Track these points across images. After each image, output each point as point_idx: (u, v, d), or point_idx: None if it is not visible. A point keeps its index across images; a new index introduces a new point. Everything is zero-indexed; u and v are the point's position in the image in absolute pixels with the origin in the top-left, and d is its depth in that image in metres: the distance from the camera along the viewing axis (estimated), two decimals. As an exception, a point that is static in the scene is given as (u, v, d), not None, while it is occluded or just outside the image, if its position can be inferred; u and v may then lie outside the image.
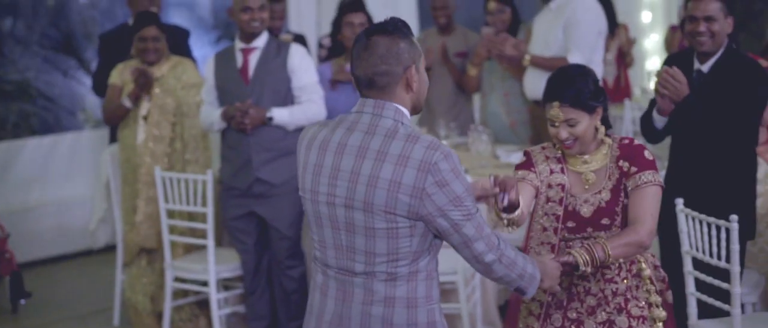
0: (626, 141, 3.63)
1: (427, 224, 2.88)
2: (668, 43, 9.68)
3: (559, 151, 3.68)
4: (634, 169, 3.54)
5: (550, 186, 3.63)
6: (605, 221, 3.56)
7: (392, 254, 2.91)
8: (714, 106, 4.50)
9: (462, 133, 6.96)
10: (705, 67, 4.65)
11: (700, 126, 4.52)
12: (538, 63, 6.39)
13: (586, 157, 3.62)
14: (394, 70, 2.93)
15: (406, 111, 2.97)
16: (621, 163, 3.57)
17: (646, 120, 4.82)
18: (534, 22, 6.97)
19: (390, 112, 2.93)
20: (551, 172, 3.65)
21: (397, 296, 2.94)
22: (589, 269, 3.41)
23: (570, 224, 3.58)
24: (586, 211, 3.56)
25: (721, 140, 4.55)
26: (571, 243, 3.60)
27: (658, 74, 4.64)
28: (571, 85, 3.50)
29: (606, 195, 3.56)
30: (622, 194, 3.55)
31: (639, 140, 3.70)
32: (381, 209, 2.85)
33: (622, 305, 3.55)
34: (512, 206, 3.21)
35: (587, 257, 3.39)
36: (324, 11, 9.21)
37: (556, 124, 3.53)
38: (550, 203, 3.62)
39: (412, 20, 8.90)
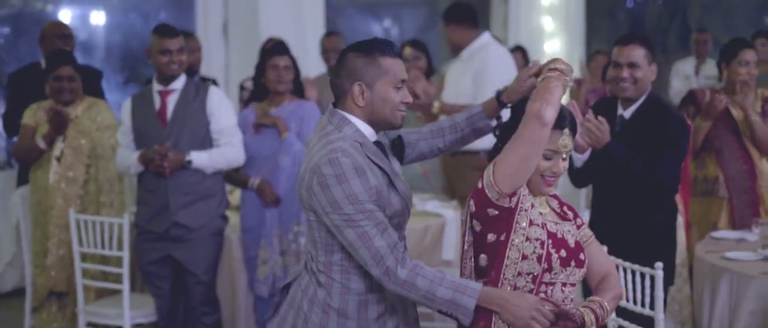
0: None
1: (321, 219, 3.14)
2: (574, 95, 9.86)
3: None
4: (579, 220, 3.35)
5: (532, 206, 3.20)
6: (582, 257, 3.23)
7: (312, 246, 3.24)
8: (635, 152, 4.58)
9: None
10: (627, 113, 4.74)
11: (623, 172, 4.59)
12: (448, 111, 6.43)
13: (547, 196, 3.33)
14: (343, 84, 3.21)
15: (356, 121, 3.20)
16: (565, 208, 3.36)
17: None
18: (446, 71, 7.06)
19: (336, 120, 3.21)
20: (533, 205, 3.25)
21: (318, 296, 3.22)
22: None
23: (562, 253, 3.16)
24: (570, 240, 3.21)
25: (642, 187, 4.63)
26: (551, 286, 3.18)
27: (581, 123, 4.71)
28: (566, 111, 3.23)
29: (574, 231, 3.28)
30: None
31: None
32: (302, 202, 3.20)
33: None
34: None
35: (593, 317, 3.14)
36: (232, 54, 9.19)
37: (564, 156, 3.23)
38: (533, 226, 3.14)
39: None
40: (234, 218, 5.95)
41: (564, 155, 3.21)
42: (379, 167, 3.18)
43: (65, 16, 10.68)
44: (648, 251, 4.50)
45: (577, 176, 4.81)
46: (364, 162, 3.12)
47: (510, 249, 3.12)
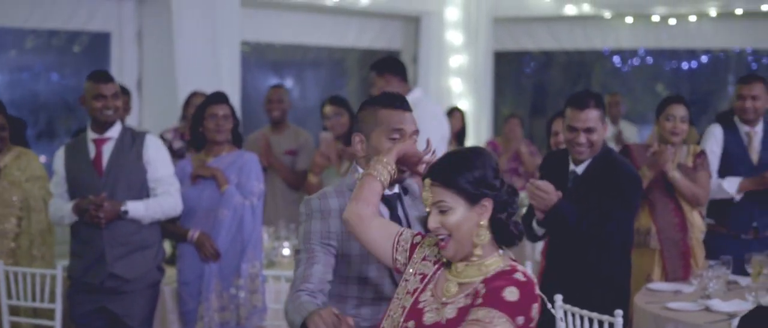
0: (510, 268, 2.89)
1: None
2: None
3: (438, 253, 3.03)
4: (479, 300, 2.81)
5: (414, 274, 3.03)
6: None
7: None
8: (587, 207, 4.61)
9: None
10: (579, 169, 4.79)
11: (574, 230, 4.61)
12: None
13: (461, 266, 2.93)
14: (353, 136, 3.50)
15: (360, 169, 3.45)
16: (480, 286, 2.87)
17: (525, 222, 4.89)
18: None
19: (350, 170, 3.53)
20: (424, 258, 3.06)
21: None
22: None
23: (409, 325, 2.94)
24: (428, 318, 2.90)
25: (595, 241, 4.65)
26: None
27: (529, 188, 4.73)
28: (448, 161, 2.94)
29: (451, 312, 2.88)
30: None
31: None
32: None
33: None
34: None
35: None
36: (145, 110, 9.02)
37: (442, 209, 2.90)
38: (407, 295, 3.00)
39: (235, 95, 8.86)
40: (168, 270, 5.80)
41: (442, 208, 2.89)
42: None
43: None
44: (600, 303, 4.50)
45: (530, 234, 4.84)
46: (340, 206, 3.31)
47: None
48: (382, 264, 3.27)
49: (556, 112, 6.58)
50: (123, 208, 5.32)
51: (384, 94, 3.49)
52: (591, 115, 4.70)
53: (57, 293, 5.38)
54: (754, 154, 6.15)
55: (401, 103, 3.47)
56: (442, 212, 2.88)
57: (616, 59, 13.42)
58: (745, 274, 5.49)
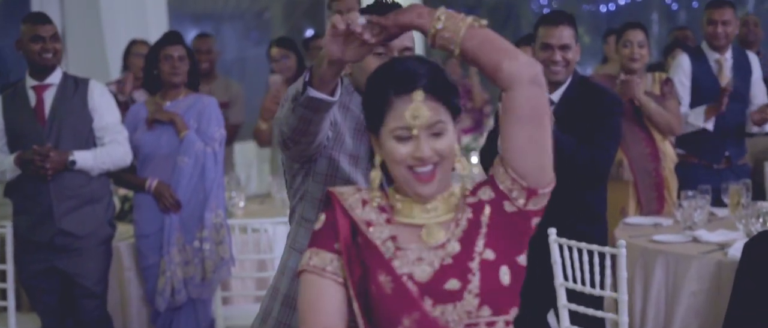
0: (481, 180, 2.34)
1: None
2: None
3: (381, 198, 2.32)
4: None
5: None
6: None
7: None
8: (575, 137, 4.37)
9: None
10: (554, 97, 4.54)
11: (570, 159, 4.34)
12: None
13: (430, 205, 2.28)
14: None
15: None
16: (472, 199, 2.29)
17: (486, 153, 4.65)
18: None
19: None
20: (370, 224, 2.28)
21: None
22: None
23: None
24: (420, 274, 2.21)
25: (589, 174, 4.41)
26: None
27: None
28: (436, 70, 2.26)
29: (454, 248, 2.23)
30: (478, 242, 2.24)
31: None
32: None
33: None
34: None
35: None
36: (71, 63, 8.61)
37: (414, 132, 2.19)
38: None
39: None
40: (121, 226, 5.44)
41: (414, 131, 2.19)
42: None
43: None
44: (587, 239, 4.27)
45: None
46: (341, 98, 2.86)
47: None
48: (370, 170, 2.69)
49: (520, 39, 6.38)
50: (70, 158, 4.93)
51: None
52: (565, 32, 4.49)
53: (8, 252, 4.99)
54: (725, 82, 5.94)
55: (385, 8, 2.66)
56: (436, 134, 2.21)
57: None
58: (720, 204, 5.37)
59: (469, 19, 2.26)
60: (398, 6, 2.63)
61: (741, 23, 6.98)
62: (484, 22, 2.27)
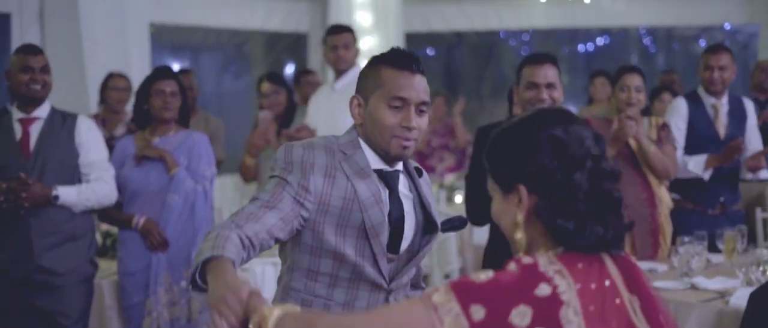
0: None
1: None
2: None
3: None
4: None
5: None
6: None
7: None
8: None
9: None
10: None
11: None
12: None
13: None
14: (351, 99, 2.95)
15: (361, 142, 2.91)
16: None
17: (472, 201, 4.55)
18: (310, 101, 6.64)
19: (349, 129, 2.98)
20: None
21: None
22: None
23: None
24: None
25: None
26: None
27: None
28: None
29: None
30: None
31: None
32: None
33: None
34: None
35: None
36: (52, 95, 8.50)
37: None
38: None
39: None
40: (103, 263, 5.29)
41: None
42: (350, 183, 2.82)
43: None
44: None
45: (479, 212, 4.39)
46: (327, 164, 2.83)
47: None
48: (361, 243, 2.82)
49: (514, 82, 6.31)
50: (53, 192, 4.80)
51: (393, 50, 2.88)
52: (550, 72, 4.41)
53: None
54: (721, 128, 5.93)
55: (410, 63, 2.85)
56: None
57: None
58: (714, 250, 5.30)
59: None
60: (417, 60, 2.83)
61: (758, 69, 6.98)
62: None
